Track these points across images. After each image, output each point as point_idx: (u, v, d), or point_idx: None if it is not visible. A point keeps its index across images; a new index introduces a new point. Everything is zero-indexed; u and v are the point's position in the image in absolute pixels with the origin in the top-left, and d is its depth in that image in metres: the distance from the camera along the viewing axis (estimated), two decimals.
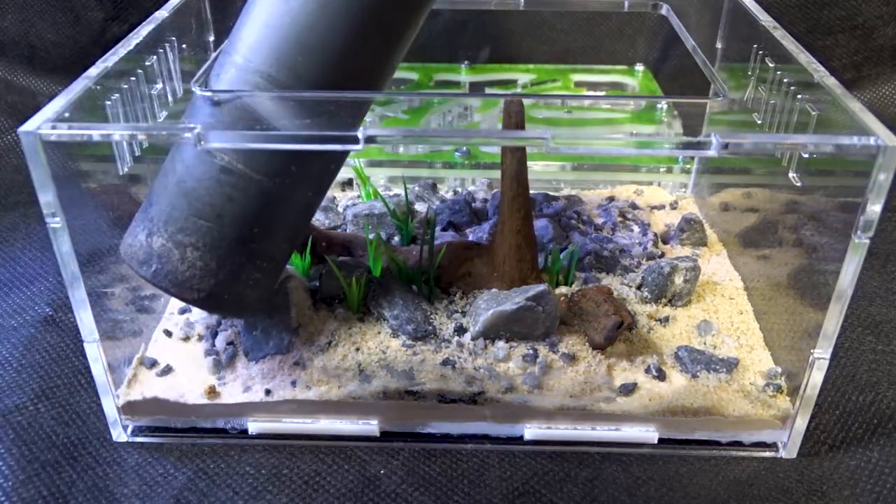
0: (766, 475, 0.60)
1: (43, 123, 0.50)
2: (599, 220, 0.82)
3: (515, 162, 0.63)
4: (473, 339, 0.64)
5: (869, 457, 0.62)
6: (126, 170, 0.62)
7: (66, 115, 0.52)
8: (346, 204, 0.84)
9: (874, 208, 0.51)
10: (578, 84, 1.06)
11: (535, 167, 0.92)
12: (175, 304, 0.71)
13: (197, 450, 0.62)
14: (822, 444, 0.63)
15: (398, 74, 1.09)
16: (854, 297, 0.78)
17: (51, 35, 1.06)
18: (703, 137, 0.50)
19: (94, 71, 0.59)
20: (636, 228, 0.80)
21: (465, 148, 0.90)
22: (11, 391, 0.67)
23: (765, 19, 0.70)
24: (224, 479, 0.59)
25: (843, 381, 0.69)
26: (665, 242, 0.80)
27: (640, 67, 1.08)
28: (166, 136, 0.53)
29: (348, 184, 0.91)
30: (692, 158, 0.88)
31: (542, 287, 0.63)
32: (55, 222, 0.53)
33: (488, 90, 1.07)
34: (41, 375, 0.68)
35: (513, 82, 1.07)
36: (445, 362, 0.62)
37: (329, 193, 0.88)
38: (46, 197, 0.52)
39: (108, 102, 0.59)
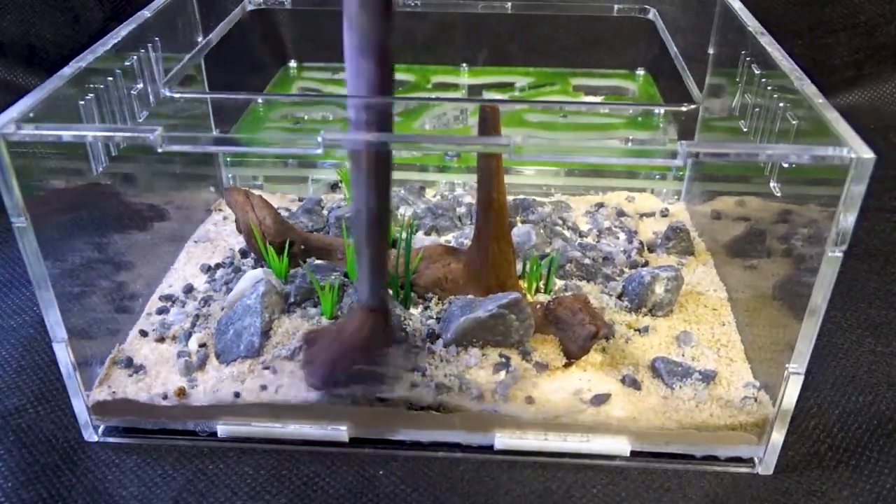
0: (741, 492, 0.59)
1: (7, 123, 0.50)
2: (585, 227, 0.81)
3: (491, 168, 0.62)
4: (445, 345, 0.63)
5: (868, 457, 0.61)
6: (101, 169, 0.62)
7: (31, 114, 0.52)
8: (331, 206, 0.84)
9: (847, 220, 0.50)
10: (577, 88, 1.05)
11: (526, 172, 0.92)
12: (153, 304, 0.72)
13: (196, 451, 0.62)
14: (821, 443, 0.62)
15: (395, 76, 1.08)
16: (853, 298, 0.78)
17: (51, 35, 1.07)
18: (669, 146, 0.49)
19: (67, 70, 0.59)
20: (622, 236, 0.79)
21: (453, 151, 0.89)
22: (11, 392, 0.67)
23: (752, 25, 0.69)
24: (223, 480, 0.59)
25: (843, 382, 0.68)
26: (651, 251, 0.79)
27: (640, 72, 1.07)
28: (130, 138, 0.53)
29: (336, 186, 0.91)
30: (685, 165, 0.87)
31: (514, 295, 0.62)
32: (20, 222, 0.53)
33: (486, 93, 1.07)
34: (41, 377, 0.68)
35: (511, 85, 1.07)
36: (415, 369, 0.61)
37: (315, 196, 0.88)
38: (11, 197, 0.52)
39: (82, 102, 0.59)
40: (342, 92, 1.05)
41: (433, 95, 1.05)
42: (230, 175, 0.92)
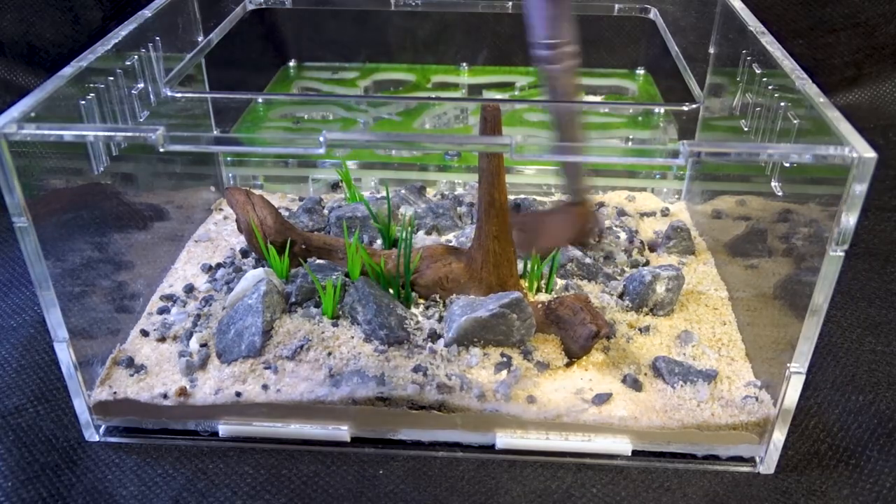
0: (742, 491, 0.59)
1: (7, 123, 0.50)
2: None
3: (492, 167, 0.62)
4: (447, 345, 0.63)
5: (868, 456, 0.61)
6: (101, 169, 0.62)
7: (32, 114, 0.52)
8: (331, 206, 0.84)
9: (849, 220, 0.50)
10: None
11: (527, 171, 0.92)
12: (154, 304, 0.72)
13: (196, 451, 0.62)
14: (821, 443, 0.62)
15: (396, 76, 1.09)
16: (854, 297, 0.78)
17: (50, 35, 1.07)
18: (671, 146, 0.49)
19: (68, 70, 0.59)
20: (623, 235, 0.79)
21: (453, 150, 0.89)
22: (11, 392, 0.67)
23: (753, 24, 0.69)
24: (223, 480, 0.59)
25: (843, 381, 0.68)
26: (652, 250, 0.79)
27: (640, 71, 1.07)
28: (131, 137, 0.52)
29: (336, 186, 0.91)
30: (685, 165, 0.87)
31: (516, 294, 0.62)
32: (21, 222, 0.53)
33: (486, 93, 1.07)
34: (41, 377, 0.68)
35: (511, 85, 1.07)
36: (416, 368, 0.61)
37: (316, 195, 0.88)
38: (12, 197, 0.52)
39: (83, 102, 0.59)
40: (342, 92, 1.06)
41: (433, 95, 1.05)
42: (230, 175, 0.92)
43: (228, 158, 0.91)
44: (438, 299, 0.68)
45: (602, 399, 0.60)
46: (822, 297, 0.53)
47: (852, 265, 0.82)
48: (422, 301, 0.68)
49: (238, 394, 0.61)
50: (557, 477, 0.60)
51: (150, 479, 0.59)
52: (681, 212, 0.87)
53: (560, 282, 0.71)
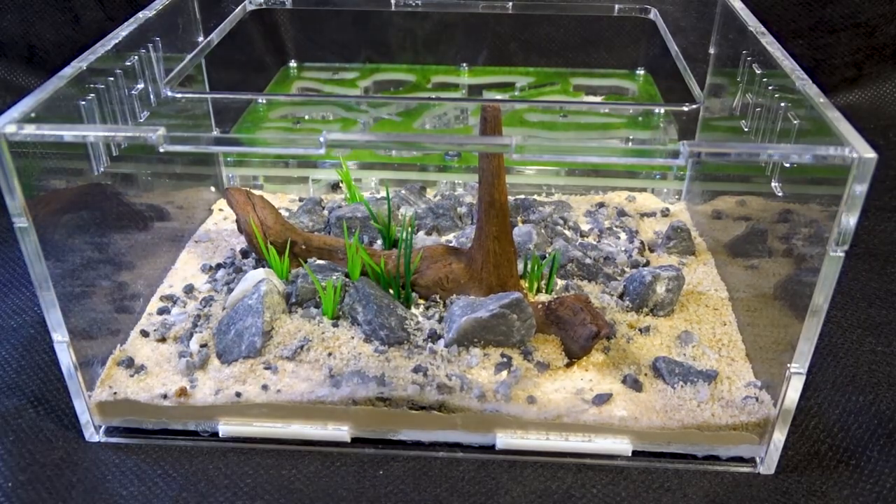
0: (742, 492, 0.59)
1: (7, 123, 0.50)
2: (586, 227, 0.81)
3: (492, 168, 0.62)
4: (447, 345, 0.63)
5: (868, 457, 0.61)
6: (102, 169, 0.62)
7: (32, 115, 0.52)
8: (331, 206, 0.84)
9: (849, 220, 0.50)
10: (577, 88, 1.05)
11: (527, 171, 0.92)
12: (154, 304, 0.72)
13: (197, 451, 0.62)
14: (821, 443, 0.62)
15: (396, 76, 1.09)
16: (854, 298, 0.78)
17: (50, 35, 1.07)
18: (671, 146, 0.49)
19: (68, 70, 0.59)
20: (623, 236, 0.79)
21: (453, 150, 0.89)
22: (12, 392, 0.67)
23: (753, 24, 0.69)
24: (223, 480, 0.59)
25: (843, 382, 0.68)
26: (652, 251, 0.79)
27: (640, 71, 1.07)
28: (131, 138, 0.52)
29: (336, 186, 0.91)
30: (685, 165, 0.87)
31: (516, 295, 0.62)
32: (22, 223, 0.53)
33: (486, 93, 1.07)
34: (41, 377, 0.68)
35: (511, 85, 1.07)
36: (417, 369, 0.61)
37: (316, 195, 0.88)
38: (13, 198, 0.52)
39: (83, 102, 0.59)
40: (342, 92, 1.06)
41: (433, 95, 1.05)
42: (230, 175, 0.92)
43: (228, 158, 0.91)
44: (438, 300, 0.68)
45: (602, 399, 0.60)
46: (822, 297, 0.53)
47: (852, 265, 0.82)
48: (422, 301, 0.68)
49: (238, 394, 0.61)
50: (558, 477, 0.60)
51: (150, 479, 0.59)
52: (681, 212, 0.87)
53: (560, 282, 0.71)
